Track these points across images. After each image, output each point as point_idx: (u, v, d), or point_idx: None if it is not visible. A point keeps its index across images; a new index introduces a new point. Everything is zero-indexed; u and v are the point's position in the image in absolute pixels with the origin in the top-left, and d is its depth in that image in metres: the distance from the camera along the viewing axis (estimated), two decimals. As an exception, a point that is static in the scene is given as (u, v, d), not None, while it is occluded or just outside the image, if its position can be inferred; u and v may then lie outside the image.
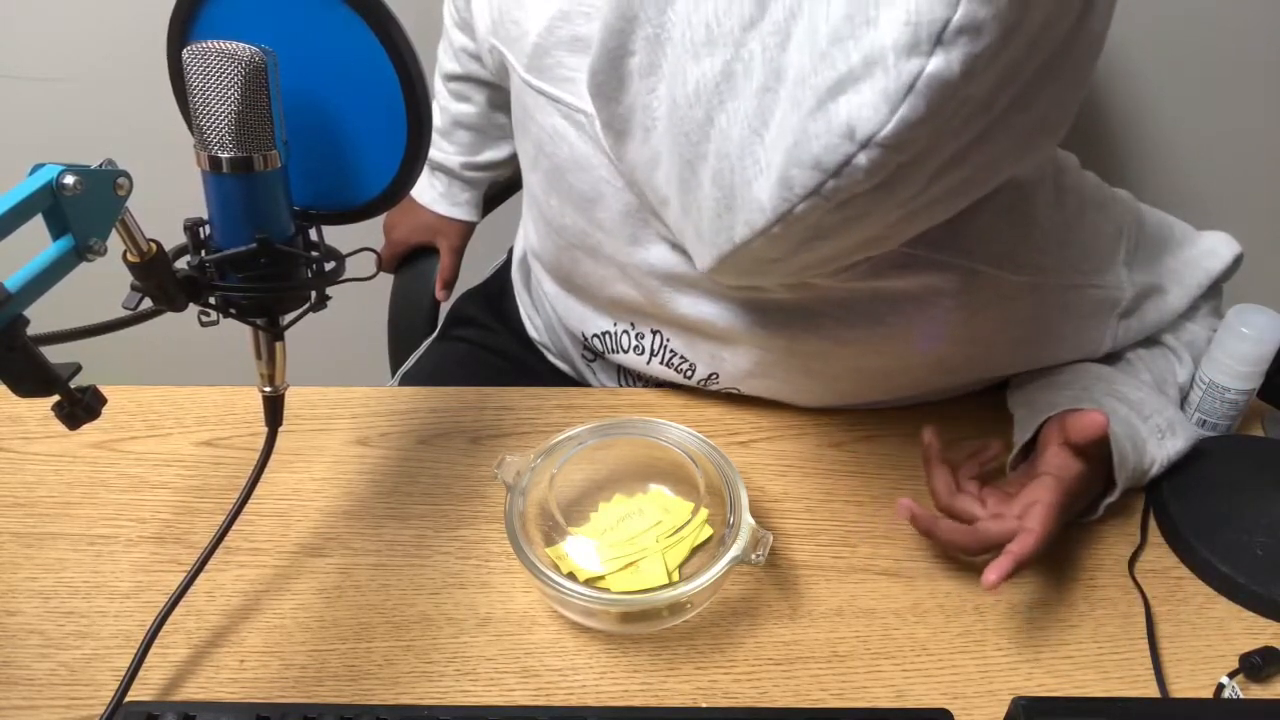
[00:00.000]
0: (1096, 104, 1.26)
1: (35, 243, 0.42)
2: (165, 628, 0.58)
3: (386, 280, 1.11)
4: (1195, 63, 1.23)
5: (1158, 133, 1.29)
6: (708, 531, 0.62)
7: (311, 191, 0.55)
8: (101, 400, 0.46)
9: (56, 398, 0.44)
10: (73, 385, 0.44)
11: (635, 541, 0.62)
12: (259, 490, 0.62)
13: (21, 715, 0.55)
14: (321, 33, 0.50)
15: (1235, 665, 0.59)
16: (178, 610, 0.59)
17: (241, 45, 0.46)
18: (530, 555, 0.58)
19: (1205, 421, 0.74)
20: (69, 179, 0.41)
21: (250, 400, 0.77)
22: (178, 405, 0.77)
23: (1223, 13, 1.19)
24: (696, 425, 0.74)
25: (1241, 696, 0.57)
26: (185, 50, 0.47)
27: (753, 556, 0.57)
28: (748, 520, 0.59)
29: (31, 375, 0.42)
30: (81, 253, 0.43)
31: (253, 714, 0.53)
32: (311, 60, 0.51)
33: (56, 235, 0.42)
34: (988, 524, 0.61)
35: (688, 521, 0.62)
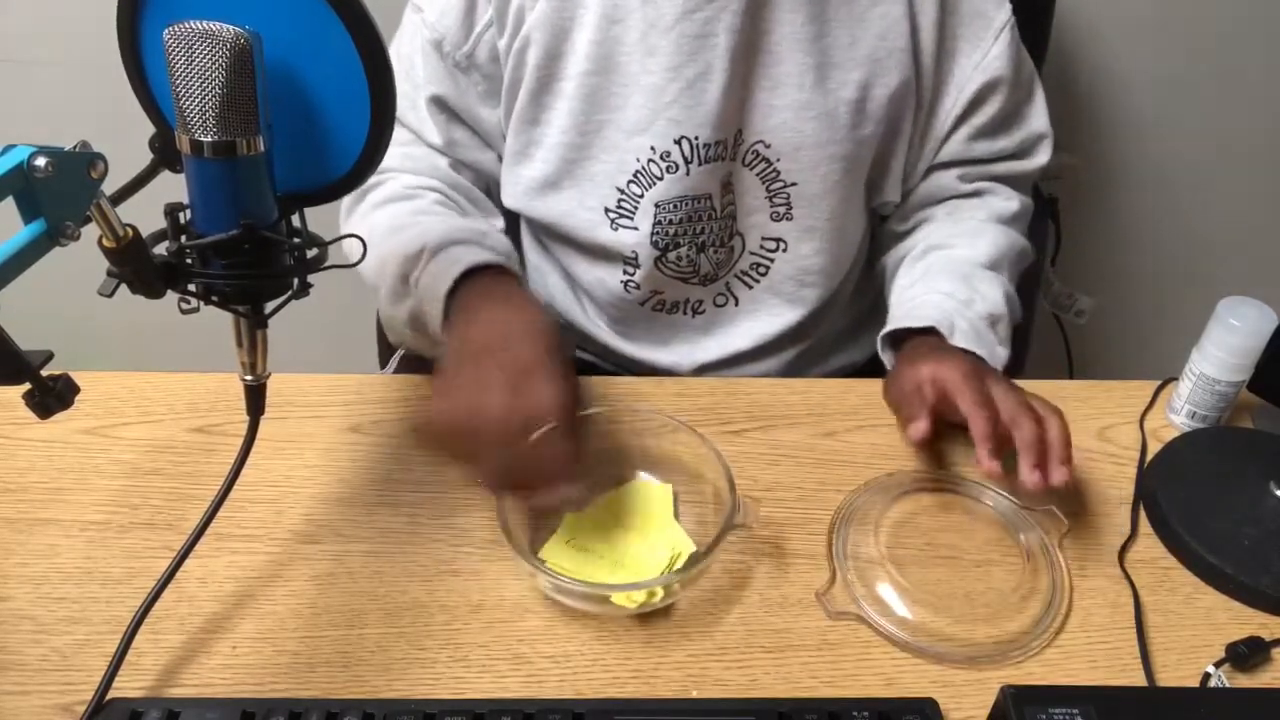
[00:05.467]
0: (1095, 99, 1.26)
1: (6, 226, 0.41)
2: (157, 614, 0.58)
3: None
4: (1191, 57, 1.23)
5: (1154, 128, 1.29)
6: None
7: (285, 172, 0.53)
8: (74, 389, 0.45)
9: (27, 386, 0.43)
10: (44, 374, 0.43)
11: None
12: (251, 477, 0.62)
13: (13, 700, 0.55)
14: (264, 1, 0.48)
15: (1222, 655, 0.59)
16: (170, 597, 0.59)
17: (224, 26, 0.45)
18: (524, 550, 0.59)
19: (1195, 413, 0.74)
20: (40, 161, 0.40)
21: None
22: (170, 391, 0.76)
23: (1221, 10, 1.19)
24: (689, 414, 0.75)
25: (1228, 685, 0.58)
26: (166, 30, 0.45)
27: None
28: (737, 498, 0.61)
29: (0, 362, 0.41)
30: (55, 236, 0.41)
31: (238, 709, 0.52)
32: (265, 32, 0.48)
33: (29, 219, 0.41)
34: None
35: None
